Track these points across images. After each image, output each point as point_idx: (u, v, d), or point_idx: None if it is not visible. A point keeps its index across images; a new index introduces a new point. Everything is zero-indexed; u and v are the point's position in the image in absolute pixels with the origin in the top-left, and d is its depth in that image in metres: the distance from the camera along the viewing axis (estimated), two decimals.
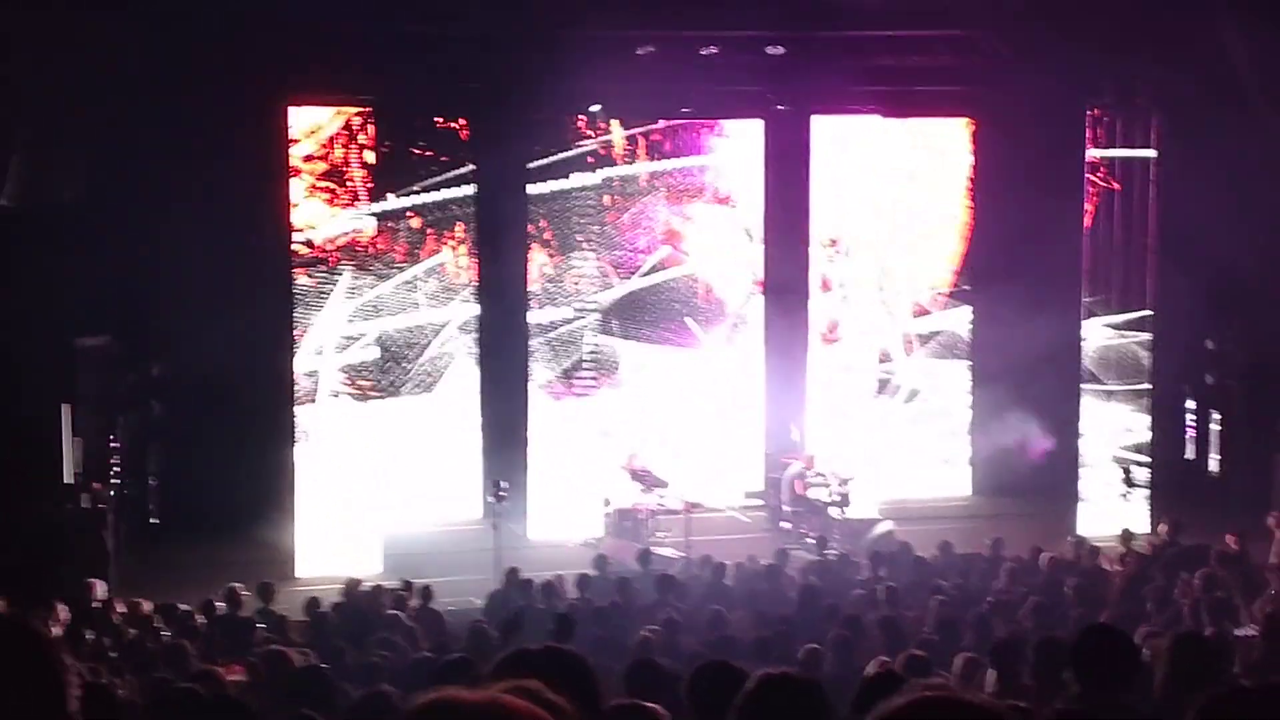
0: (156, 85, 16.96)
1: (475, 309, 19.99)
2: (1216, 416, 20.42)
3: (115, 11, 16.08)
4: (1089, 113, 19.84)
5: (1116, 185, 20.12)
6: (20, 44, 15.69)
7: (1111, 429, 20.23)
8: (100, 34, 16.17)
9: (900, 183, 21.31)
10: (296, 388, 18.70)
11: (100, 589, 14.21)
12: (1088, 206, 20.22)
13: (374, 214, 19.49)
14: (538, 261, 20.17)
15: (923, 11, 18.57)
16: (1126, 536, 15.86)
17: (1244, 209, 18.49)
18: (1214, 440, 20.47)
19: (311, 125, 18.88)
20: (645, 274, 20.74)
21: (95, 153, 17.31)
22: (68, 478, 16.60)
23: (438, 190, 19.74)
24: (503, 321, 19.87)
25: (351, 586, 14.32)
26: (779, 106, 20.10)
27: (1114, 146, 19.95)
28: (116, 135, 17.16)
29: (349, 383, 19.47)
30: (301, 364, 18.80)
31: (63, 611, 12.47)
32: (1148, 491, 19.17)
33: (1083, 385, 20.12)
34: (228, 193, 17.78)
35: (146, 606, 13.72)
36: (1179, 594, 12.39)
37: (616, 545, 17.88)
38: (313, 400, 19.10)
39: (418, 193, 19.69)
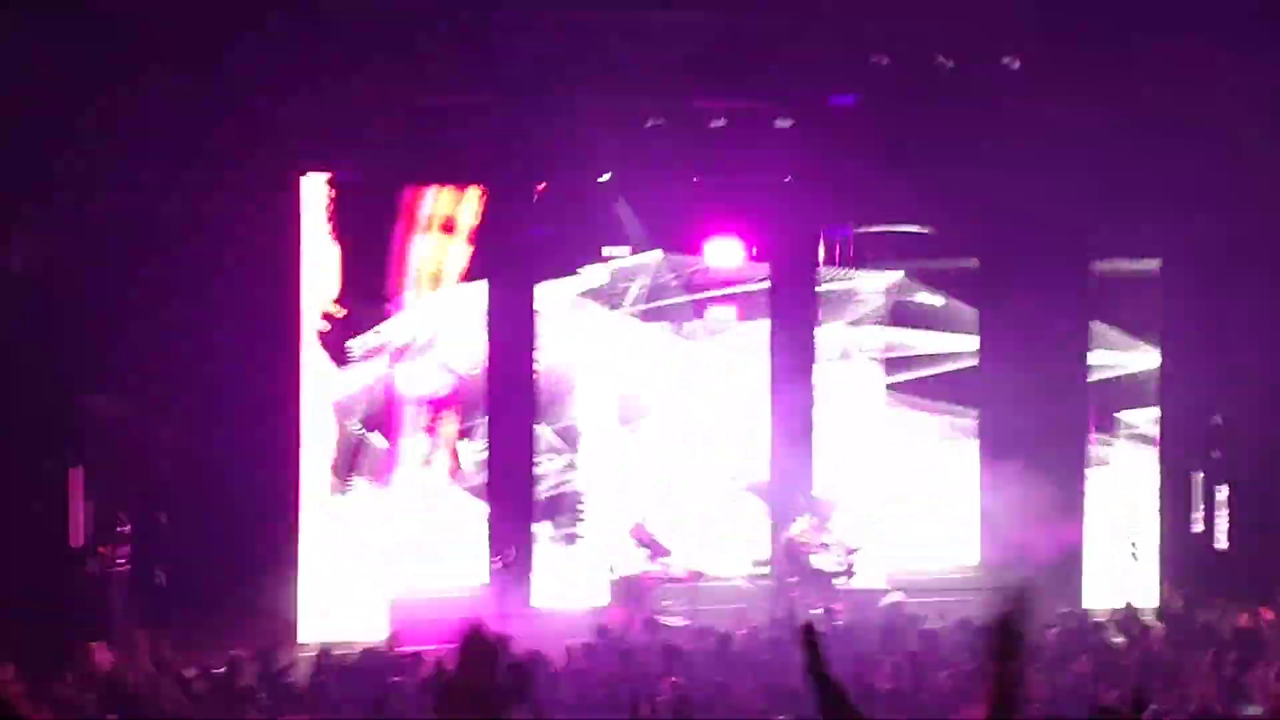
0: (167, 143, 17.04)
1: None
2: (1224, 492, 20.41)
3: (121, 71, 16.20)
4: None
5: None
6: (29, 106, 15.81)
7: (1118, 499, 20.26)
8: (108, 95, 16.30)
9: None
10: (304, 451, 18.69)
11: (105, 654, 14.16)
12: None
13: None
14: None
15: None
16: (1131, 611, 15.80)
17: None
18: (1222, 515, 20.44)
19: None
20: None
21: (106, 215, 17.37)
22: (76, 542, 16.60)
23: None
24: (509, 384, 19.86)
25: (358, 653, 14.29)
26: (787, 179, 20.16)
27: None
28: (126, 195, 17.23)
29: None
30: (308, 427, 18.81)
31: (69, 678, 12.47)
32: (1156, 565, 19.13)
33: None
34: (239, 253, 17.83)
35: (150, 671, 13.70)
36: (1189, 672, 12.35)
37: (621, 613, 17.83)
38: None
39: None
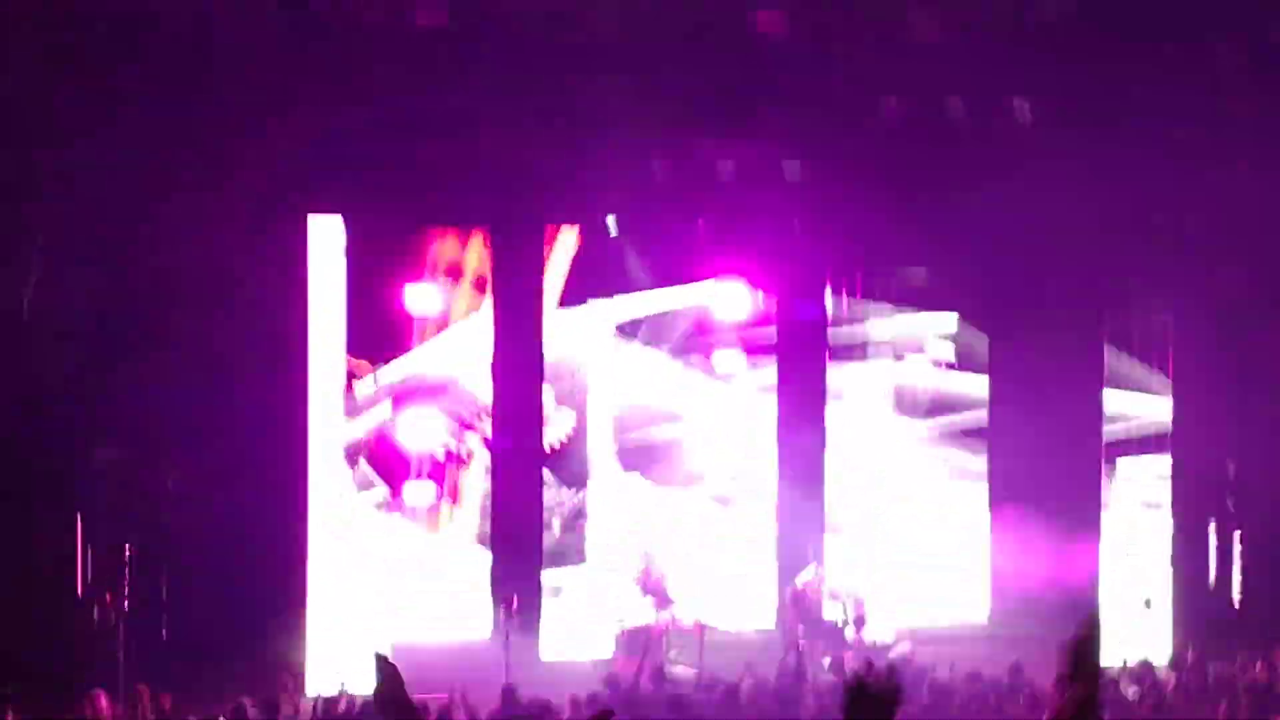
0: (174, 192, 17.03)
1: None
2: (1239, 543, 20.27)
3: (132, 120, 16.20)
4: None
5: None
6: (37, 153, 15.82)
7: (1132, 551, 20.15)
8: (117, 143, 16.30)
9: None
10: (310, 499, 18.60)
11: (106, 702, 14.04)
12: None
13: None
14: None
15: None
16: (1146, 666, 15.64)
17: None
18: (1236, 566, 20.30)
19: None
20: None
21: (112, 262, 17.34)
22: (79, 590, 16.50)
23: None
24: (517, 428, 19.75)
25: (362, 702, 14.18)
26: (794, 224, 20.10)
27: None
28: (131, 244, 17.21)
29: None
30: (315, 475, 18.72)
31: None
32: (1170, 618, 19.00)
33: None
34: (245, 301, 17.79)
35: None
36: None
37: (628, 664, 17.68)
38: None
39: None
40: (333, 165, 17.66)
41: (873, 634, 18.54)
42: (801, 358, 20.56)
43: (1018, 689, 14.40)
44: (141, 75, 16.00)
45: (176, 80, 16.21)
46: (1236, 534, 20.21)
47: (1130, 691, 14.56)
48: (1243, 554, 20.23)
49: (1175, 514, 20.05)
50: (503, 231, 19.47)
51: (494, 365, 19.67)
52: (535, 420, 19.61)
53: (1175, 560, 19.87)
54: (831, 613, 18.75)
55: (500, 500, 19.76)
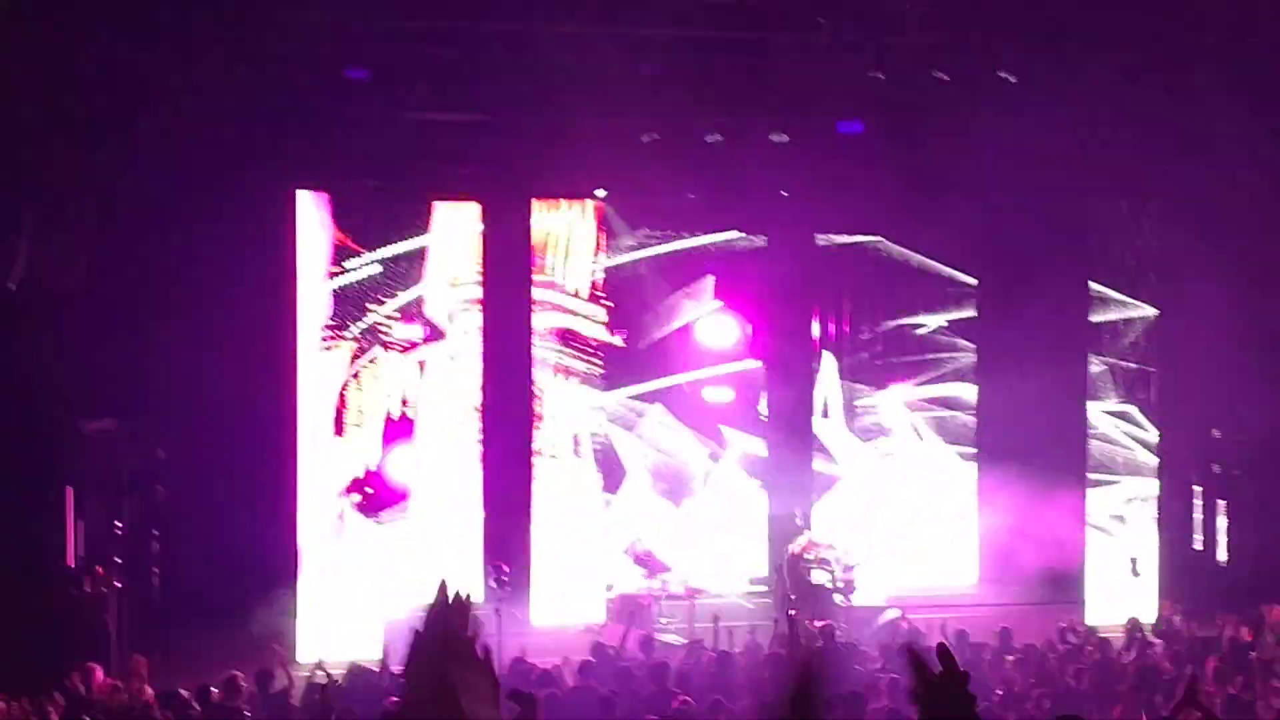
0: (163, 166, 17.01)
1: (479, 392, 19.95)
2: (1223, 505, 20.36)
3: (120, 96, 16.17)
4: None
5: None
6: (27, 127, 15.78)
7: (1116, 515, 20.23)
8: (106, 118, 16.27)
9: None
10: (300, 470, 18.62)
11: (101, 675, 14.08)
12: None
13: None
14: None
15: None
16: (1134, 625, 15.74)
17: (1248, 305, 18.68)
18: (1221, 529, 20.40)
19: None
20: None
21: (101, 235, 17.34)
22: (70, 562, 16.53)
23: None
24: (507, 399, 19.77)
25: (354, 671, 14.21)
26: (783, 193, 20.08)
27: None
28: (122, 218, 17.20)
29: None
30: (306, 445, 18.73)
31: (60, 701, 12.39)
32: (1155, 580, 19.10)
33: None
34: (234, 275, 17.80)
35: (148, 693, 13.61)
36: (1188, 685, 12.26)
37: (619, 631, 17.74)
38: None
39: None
40: (319, 141, 17.64)
41: (862, 600, 18.61)
42: (790, 318, 20.58)
43: (1007, 651, 14.49)
44: (131, 52, 15.95)
45: (164, 56, 16.16)
46: (1221, 497, 20.31)
47: (1117, 653, 14.66)
48: (1228, 517, 20.33)
49: (1162, 477, 20.11)
50: (491, 205, 19.47)
51: (484, 334, 19.70)
52: (525, 387, 19.63)
53: (1161, 523, 19.96)
54: (823, 579, 18.80)
55: (491, 466, 19.81)
